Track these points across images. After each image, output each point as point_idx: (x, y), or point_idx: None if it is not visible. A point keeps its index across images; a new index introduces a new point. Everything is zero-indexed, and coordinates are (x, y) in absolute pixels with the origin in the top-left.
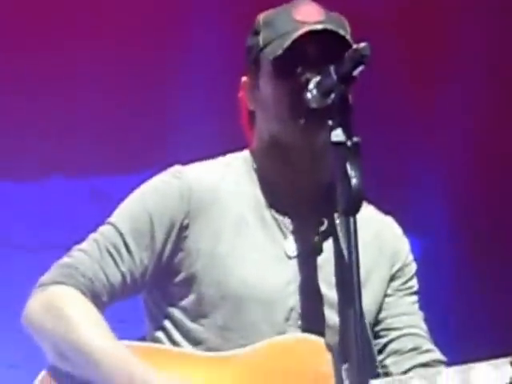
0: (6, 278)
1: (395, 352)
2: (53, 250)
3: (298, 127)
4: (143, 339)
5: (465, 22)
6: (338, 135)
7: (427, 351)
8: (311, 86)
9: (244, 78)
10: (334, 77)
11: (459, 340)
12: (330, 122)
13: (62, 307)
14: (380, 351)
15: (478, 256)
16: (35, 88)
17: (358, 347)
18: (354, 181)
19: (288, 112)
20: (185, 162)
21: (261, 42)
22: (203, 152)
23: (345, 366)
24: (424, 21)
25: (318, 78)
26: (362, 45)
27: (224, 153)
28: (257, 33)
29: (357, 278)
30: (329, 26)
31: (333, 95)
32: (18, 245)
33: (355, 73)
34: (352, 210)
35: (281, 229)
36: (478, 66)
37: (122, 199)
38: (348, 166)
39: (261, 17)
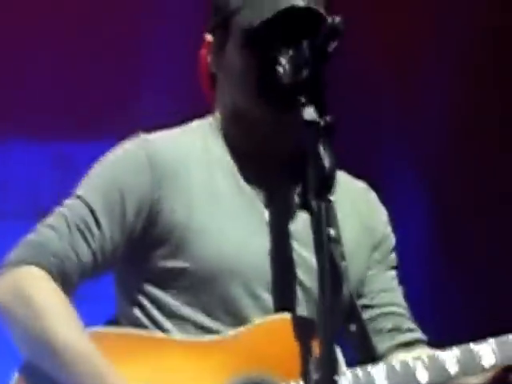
0: None
1: (375, 331)
2: (11, 220)
3: (266, 104)
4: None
5: None
6: (310, 113)
7: (408, 330)
8: (283, 60)
9: (208, 37)
10: (308, 52)
11: (433, 326)
12: (302, 99)
13: (30, 292)
14: None
15: (450, 239)
16: None
17: (328, 346)
18: (326, 161)
19: (256, 86)
20: (146, 128)
21: (232, 6)
22: (165, 116)
23: (313, 358)
24: None
25: (290, 53)
26: (337, 20)
27: (186, 116)
28: None
29: (328, 267)
30: (311, 4)
31: (305, 71)
32: None
33: (329, 48)
34: (324, 191)
35: (255, 196)
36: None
37: (83, 166)
38: (320, 146)
39: None
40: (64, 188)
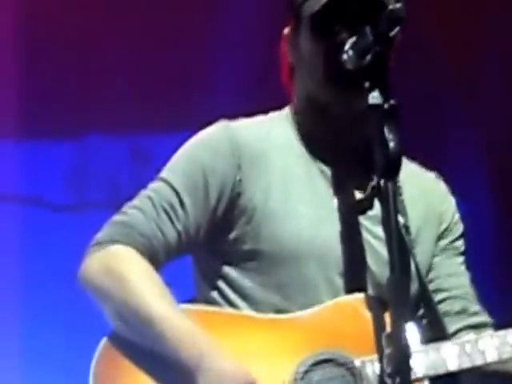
0: (45, 240)
1: (443, 314)
2: (91, 210)
3: (333, 88)
4: (192, 301)
5: None
6: (374, 97)
7: (475, 314)
8: (347, 46)
9: (285, 31)
10: (370, 37)
11: (500, 304)
12: (367, 84)
13: (122, 269)
14: None
15: None
16: (73, 43)
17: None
18: (391, 144)
19: (323, 72)
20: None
21: None
22: (241, 110)
23: (385, 333)
24: None
25: (353, 39)
26: (398, 5)
27: (262, 111)
28: None
29: (395, 244)
30: None
31: (369, 56)
32: (56, 205)
33: (391, 34)
34: (390, 173)
35: (328, 183)
36: None
37: (160, 157)
38: (385, 129)
39: None
40: (142, 179)
